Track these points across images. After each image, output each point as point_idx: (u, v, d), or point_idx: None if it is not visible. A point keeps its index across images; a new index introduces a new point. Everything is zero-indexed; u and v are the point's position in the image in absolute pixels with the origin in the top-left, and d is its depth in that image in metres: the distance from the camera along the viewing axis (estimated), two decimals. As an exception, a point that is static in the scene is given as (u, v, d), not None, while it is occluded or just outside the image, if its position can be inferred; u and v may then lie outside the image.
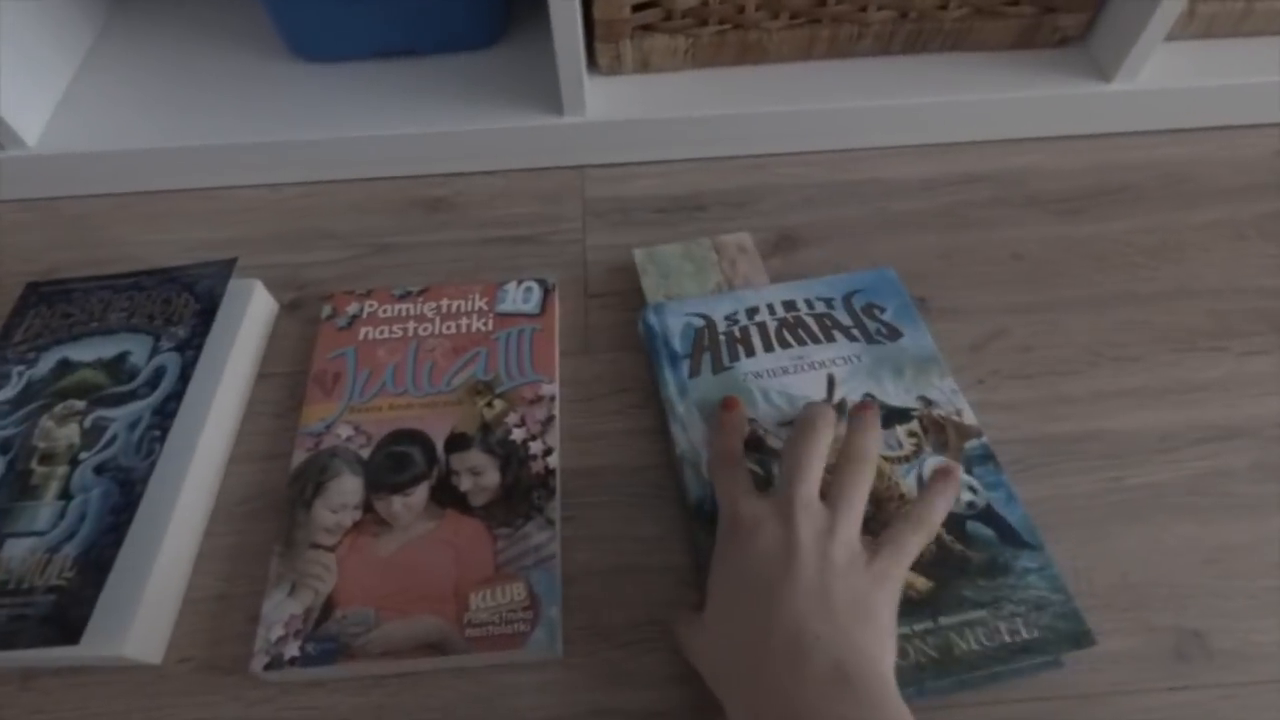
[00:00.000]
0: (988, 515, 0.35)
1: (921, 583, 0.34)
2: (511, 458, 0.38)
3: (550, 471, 0.38)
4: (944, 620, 0.33)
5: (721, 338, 0.41)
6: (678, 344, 0.41)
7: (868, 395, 0.39)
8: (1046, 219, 0.49)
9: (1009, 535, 0.35)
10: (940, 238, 0.48)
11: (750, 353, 0.41)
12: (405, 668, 0.34)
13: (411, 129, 0.50)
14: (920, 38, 0.50)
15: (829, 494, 0.31)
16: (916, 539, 0.31)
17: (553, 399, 0.40)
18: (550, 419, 0.40)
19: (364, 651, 0.33)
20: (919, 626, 0.32)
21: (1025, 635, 0.32)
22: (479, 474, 0.38)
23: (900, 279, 0.44)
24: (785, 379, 0.40)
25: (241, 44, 0.55)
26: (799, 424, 0.34)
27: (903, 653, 0.32)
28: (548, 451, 0.38)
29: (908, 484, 0.36)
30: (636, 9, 0.48)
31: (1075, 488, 0.39)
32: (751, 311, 0.42)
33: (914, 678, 0.31)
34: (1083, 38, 0.51)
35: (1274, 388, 0.42)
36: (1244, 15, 0.50)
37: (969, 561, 0.34)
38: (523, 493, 0.37)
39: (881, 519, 0.35)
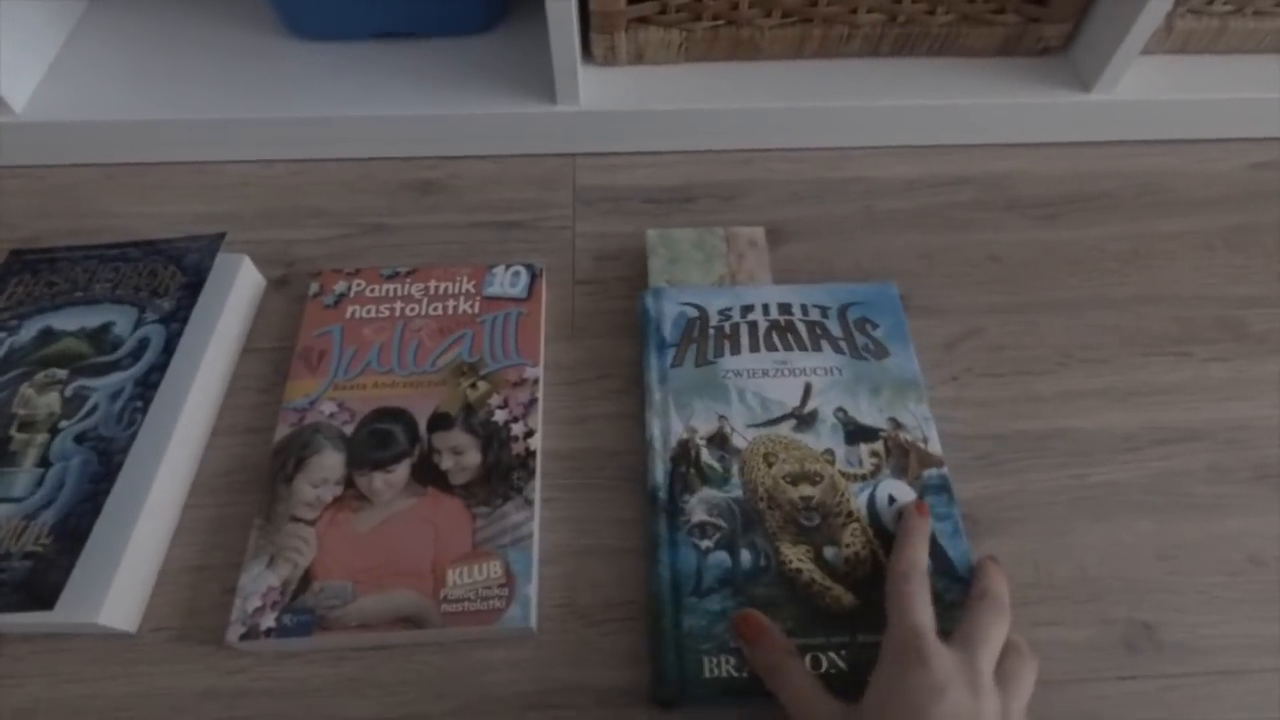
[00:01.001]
0: (929, 544, 0.35)
1: (848, 599, 0.34)
2: (493, 439, 0.39)
3: (531, 453, 0.38)
4: (861, 638, 0.33)
5: (711, 331, 0.42)
6: (668, 331, 0.42)
7: (840, 410, 0.40)
8: (1025, 223, 0.51)
9: (945, 567, 0.35)
10: (922, 237, 0.50)
11: (735, 350, 0.41)
12: (381, 641, 0.35)
13: (406, 110, 0.50)
14: (908, 41, 0.51)
15: (1000, 674, 0.31)
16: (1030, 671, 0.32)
17: (536, 382, 0.41)
18: (533, 402, 0.40)
19: (340, 624, 0.34)
20: (836, 639, 0.33)
21: None
22: (460, 453, 0.38)
23: (900, 295, 0.44)
24: (763, 381, 0.40)
25: (237, 19, 0.55)
26: (991, 600, 0.32)
27: (815, 662, 0.33)
28: (529, 434, 0.39)
29: (858, 503, 0.37)
30: (632, 2, 0.48)
31: (1040, 483, 0.40)
32: (746, 309, 0.43)
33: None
34: (1064, 48, 0.53)
35: (1233, 393, 0.43)
36: (1219, 33, 0.51)
37: None
38: (503, 473, 0.38)
39: (825, 531, 0.36)
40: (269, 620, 0.34)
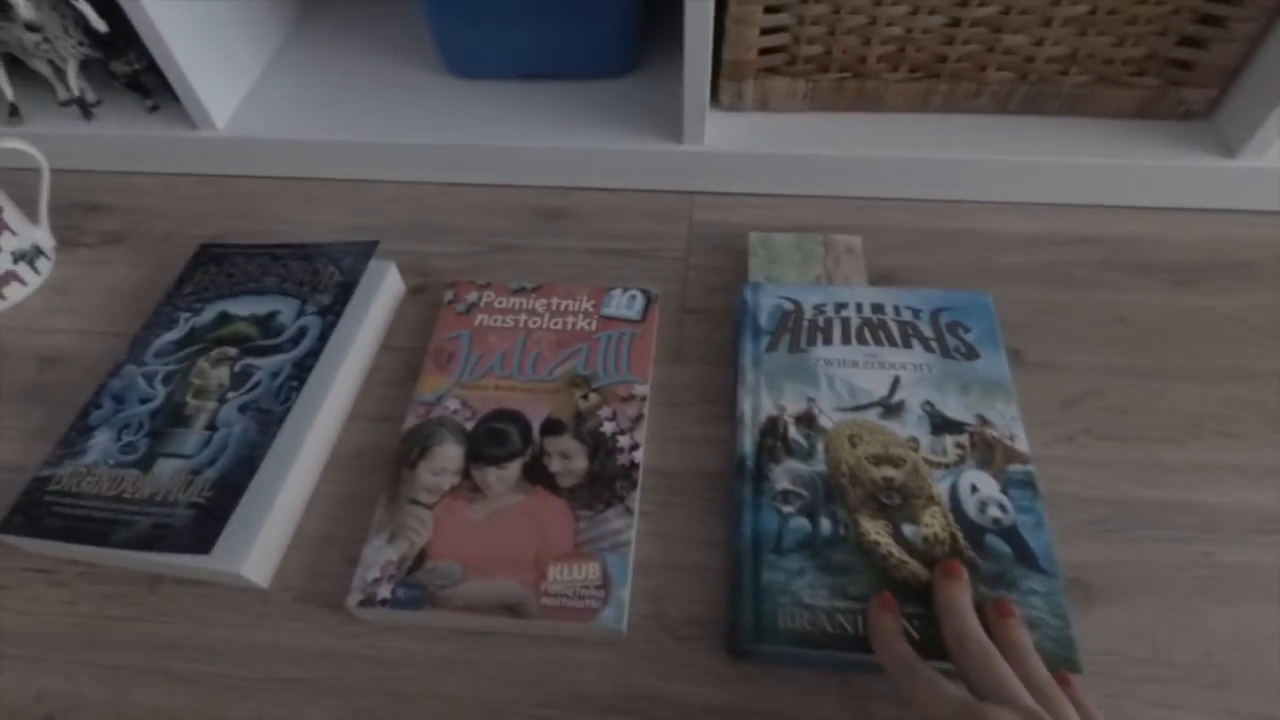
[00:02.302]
0: (1009, 534, 0.36)
1: (925, 574, 0.35)
2: (600, 447, 0.41)
3: (634, 465, 0.40)
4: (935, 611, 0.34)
5: (805, 323, 0.44)
6: (764, 320, 0.45)
7: (927, 403, 0.41)
8: (1155, 287, 0.49)
9: (1025, 556, 0.36)
10: (1041, 292, 0.49)
11: (828, 341, 0.44)
12: (482, 625, 0.37)
13: (541, 143, 0.55)
14: (1038, 100, 0.51)
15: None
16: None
17: (644, 399, 0.43)
18: (639, 417, 0.42)
19: (448, 602, 0.36)
20: (910, 609, 0.34)
21: None
22: (569, 458, 0.40)
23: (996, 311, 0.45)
24: (853, 371, 0.42)
25: (407, 58, 0.62)
26: (978, 650, 0.31)
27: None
28: (634, 446, 0.41)
29: (940, 488, 0.38)
30: (764, 52, 0.51)
31: (1162, 556, 0.38)
32: (840, 306, 0.45)
33: None
34: (1208, 113, 0.51)
35: (1393, 485, 0.40)
36: (1389, 103, 0.48)
37: (976, 568, 0.35)
38: (606, 480, 0.40)
39: (904, 510, 0.37)
40: (385, 591, 0.37)
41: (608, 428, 0.42)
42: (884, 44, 0.50)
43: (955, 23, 0.48)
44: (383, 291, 0.48)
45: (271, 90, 0.60)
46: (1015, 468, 0.38)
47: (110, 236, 0.57)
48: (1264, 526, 0.39)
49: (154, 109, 0.60)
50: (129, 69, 0.58)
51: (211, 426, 0.41)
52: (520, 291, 0.48)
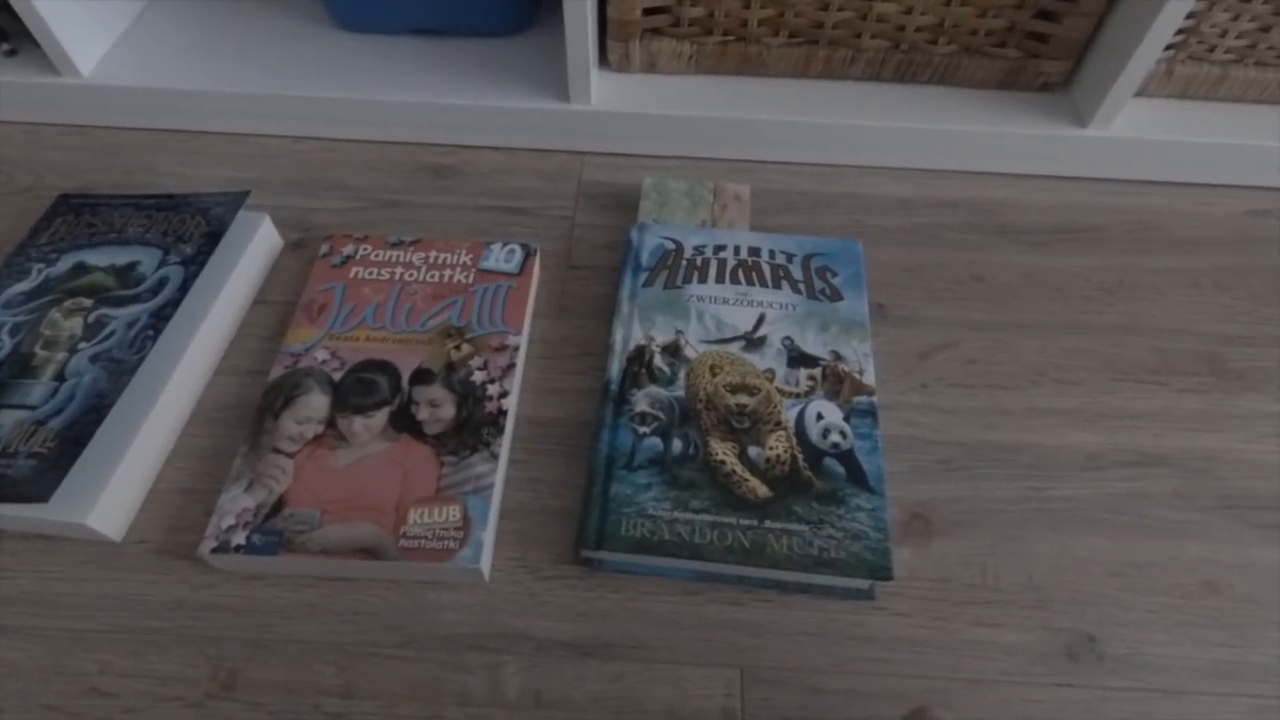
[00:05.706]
0: (845, 457, 0.39)
1: (763, 491, 0.38)
2: (469, 396, 0.41)
3: (503, 412, 0.41)
4: (769, 524, 0.37)
5: (684, 262, 0.47)
6: (645, 258, 0.47)
7: (787, 338, 0.44)
8: (1013, 248, 0.52)
9: (857, 477, 0.39)
10: (909, 253, 0.51)
11: (703, 280, 0.46)
12: (341, 569, 0.37)
13: (430, 99, 0.54)
14: (910, 68, 0.54)
15: None
16: None
17: (517, 349, 0.43)
18: (511, 366, 0.42)
19: (304, 548, 0.36)
20: (745, 521, 0.37)
21: (833, 554, 0.36)
22: (437, 406, 0.41)
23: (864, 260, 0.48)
24: (722, 307, 0.45)
25: (292, 8, 0.60)
26: None
27: (722, 535, 0.36)
28: (503, 394, 0.41)
29: (788, 415, 0.41)
30: (647, 12, 0.52)
31: (997, 492, 0.41)
32: (719, 248, 0.48)
33: (721, 555, 0.36)
34: (1065, 85, 0.54)
35: (1205, 425, 0.43)
36: (1220, 81, 0.52)
37: (812, 486, 0.38)
38: (474, 428, 0.40)
39: (753, 434, 0.40)
40: (240, 538, 0.36)
41: (478, 377, 0.42)
42: (764, 7, 0.51)
43: (830, -11, 0.50)
44: (256, 244, 0.47)
45: (145, 36, 0.58)
46: (861, 399, 0.41)
47: (-36, 187, 0.54)
48: (1090, 464, 0.42)
49: (11, 53, 0.56)
50: (-16, 10, 0.54)
51: (60, 377, 0.40)
52: (398, 245, 0.47)
